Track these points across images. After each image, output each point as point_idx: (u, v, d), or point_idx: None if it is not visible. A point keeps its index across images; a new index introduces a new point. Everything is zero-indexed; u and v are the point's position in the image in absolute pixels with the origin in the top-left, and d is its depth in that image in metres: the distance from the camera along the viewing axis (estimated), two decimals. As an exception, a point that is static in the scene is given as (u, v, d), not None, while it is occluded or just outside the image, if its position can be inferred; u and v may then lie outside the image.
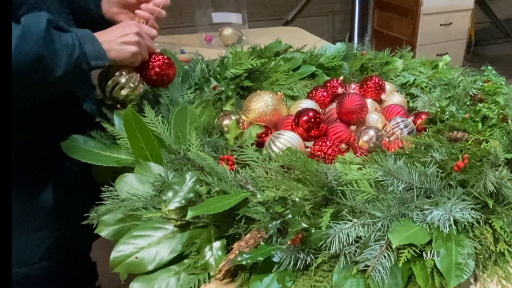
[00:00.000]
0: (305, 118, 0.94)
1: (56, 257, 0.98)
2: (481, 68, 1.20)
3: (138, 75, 0.92)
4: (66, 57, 0.75)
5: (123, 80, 0.89)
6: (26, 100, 0.77)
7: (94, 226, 0.74)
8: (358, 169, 0.77)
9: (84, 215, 0.76)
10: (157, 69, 0.94)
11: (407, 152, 0.80)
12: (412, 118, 1.01)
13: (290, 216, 0.65)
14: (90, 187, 0.93)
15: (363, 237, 0.64)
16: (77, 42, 0.77)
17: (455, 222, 0.65)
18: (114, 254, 0.67)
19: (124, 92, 0.90)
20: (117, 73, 0.89)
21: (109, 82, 0.89)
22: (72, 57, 0.76)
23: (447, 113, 0.96)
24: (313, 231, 0.64)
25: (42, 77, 0.73)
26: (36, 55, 0.70)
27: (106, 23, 0.97)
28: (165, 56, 0.95)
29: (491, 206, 0.67)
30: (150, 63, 0.93)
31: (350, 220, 0.66)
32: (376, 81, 1.13)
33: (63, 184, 0.96)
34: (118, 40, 0.84)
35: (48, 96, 0.82)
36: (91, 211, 0.77)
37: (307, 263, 0.64)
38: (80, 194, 0.98)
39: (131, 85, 0.90)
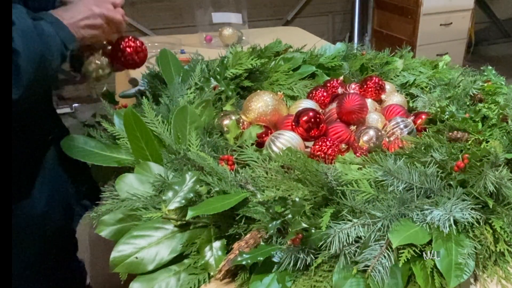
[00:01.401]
0: (305, 118, 0.94)
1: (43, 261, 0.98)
2: (481, 68, 1.20)
3: (103, 56, 0.93)
4: (55, 47, 0.74)
5: (91, 58, 0.90)
6: (29, 99, 0.73)
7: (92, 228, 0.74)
8: (358, 169, 0.77)
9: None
10: (126, 53, 0.95)
11: (407, 152, 0.80)
12: (412, 118, 1.01)
13: (290, 216, 0.65)
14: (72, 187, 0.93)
15: (363, 237, 0.64)
16: (53, 30, 0.75)
17: (455, 222, 0.65)
18: (114, 254, 0.67)
19: (91, 67, 0.90)
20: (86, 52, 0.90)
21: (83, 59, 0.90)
22: (58, 46, 0.75)
23: (447, 113, 0.96)
24: (313, 231, 0.64)
25: (45, 72, 0.73)
26: (38, 52, 0.69)
27: None
28: (136, 41, 0.96)
29: (491, 206, 0.67)
30: (121, 46, 0.95)
31: (350, 220, 0.66)
32: (376, 81, 1.13)
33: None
34: (81, 23, 0.81)
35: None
36: (92, 211, 0.77)
37: (307, 263, 0.64)
38: (63, 195, 0.97)
39: (98, 62, 0.91)
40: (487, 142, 0.86)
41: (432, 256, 0.62)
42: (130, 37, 0.96)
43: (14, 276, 0.86)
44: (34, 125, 0.86)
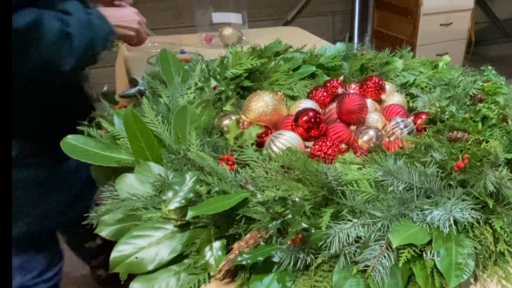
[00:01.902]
0: (305, 118, 0.94)
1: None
2: (481, 68, 1.20)
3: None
4: (100, 37, 0.93)
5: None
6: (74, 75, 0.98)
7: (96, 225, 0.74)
8: (358, 169, 0.77)
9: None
10: None
11: (407, 152, 0.80)
12: (412, 118, 1.01)
13: (290, 216, 0.65)
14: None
15: (363, 237, 0.64)
16: (101, 23, 0.94)
17: (455, 222, 0.65)
18: (114, 254, 0.67)
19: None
20: None
21: None
22: (103, 37, 0.93)
23: (447, 113, 0.95)
24: (313, 231, 0.64)
25: (91, 55, 0.92)
26: (88, 38, 0.88)
27: None
28: None
29: (491, 206, 0.67)
30: None
31: (350, 220, 0.66)
32: (376, 81, 1.13)
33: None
34: (121, 23, 1.04)
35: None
36: (93, 211, 0.77)
37: (307, 263, 0.64)
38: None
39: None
40: (487, 142, 0.86)
41: (432, 256, 0.62)
42: None
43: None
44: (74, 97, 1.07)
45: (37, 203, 0.98)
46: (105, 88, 1.10)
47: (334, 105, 1.05)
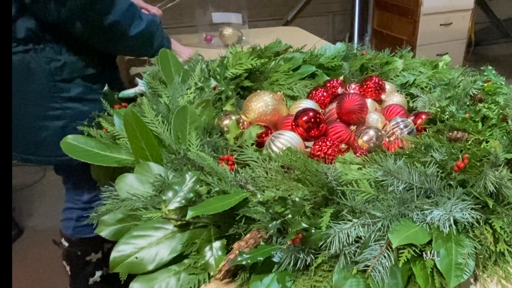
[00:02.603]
0: (305, 118, 0.94)
1: None
2: (481, 68, 1.20)
3: None
4: (159, 42, 1.29)
5: None
6: (132, 52, 1.36)
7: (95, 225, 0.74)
8: (358, 169, 0.77)
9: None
10: None
11: (407, 152, 0.80)
12: (412, 118, 1.01)
13: (290, 216, 0.65)
14: None
15: (363, 237, 0.64)
16: (165, 40, 1.33)
17: (455, 222, 0.65)
18: (114, 254, 0.67)
19: None
20: None
21: None
22: (161, 44, 1.28)
23: (447, 113, 0.96)
24: (313, 231, 0.64)
25: (145, 46, 1.27)
26: (153, 34, 1.26)
27: None
28: None
29: (491, 206, 0.67)
30: None
31: (350, 220, 0.66)
32: (376, 81, 1.13)
33: None
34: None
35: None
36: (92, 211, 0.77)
37: (307, 263, 0.64)
38: None
39: None
40: (487, 142, 0.86)
41: (432, 256, 0.62)
42: None
43: None
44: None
45: None
46: (105, 88, 1.10)
47: (334, 105, 1.05)
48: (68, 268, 1.47)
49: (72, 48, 1.16)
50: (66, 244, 1.43)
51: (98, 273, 1.50)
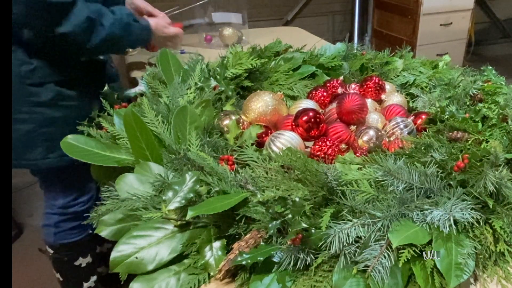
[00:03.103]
0: (305, 118, 0.94)
1: None
2: (481, 68, 1.20)
3: None
4: (133, 41, 1.21)
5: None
6: (97, 55, 1.24)
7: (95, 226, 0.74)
8: (358, 169, 0.77)
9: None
10: None
11: (407, 152, 0.80)
12: (412, 118, 1.01)
13: (290, 216, 0.65)
14: None
15: (363, 237, 0.64)
16: (140, 31, 1.21)
17: (455, 222, 0.65)
18: (114, 254, 0.67)
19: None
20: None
21: None
22: (135, 40, 1.22)
23: (447, 113, 0.95)
24: (313, 231, 0.64)
25: (114, 47, 1.19)
26: (119, 35, 1.13)
27: None
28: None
29: (491, 206, 0.67)
30: None
31: (350, 220, 0.66)
32: (376, 81, 1.13)
33: None
34: (163, 34, 1.34)
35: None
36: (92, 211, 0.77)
37: (307, 263, 0.64)
38: None
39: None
40: (487, 142, 0.86)
41: (432, 256, 0.62)
42: None
43: None
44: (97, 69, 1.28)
45: None
46: (106, 88, 1.10)
47: (334, 105, 1.05)
48: (58, 275, 1.45)
49: (45, 52, 1.11)
50: (51, 251, 1.40)
51: (93, 278, 1.48)
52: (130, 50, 1.47)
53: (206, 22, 1.78)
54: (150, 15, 1.40)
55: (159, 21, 1.33)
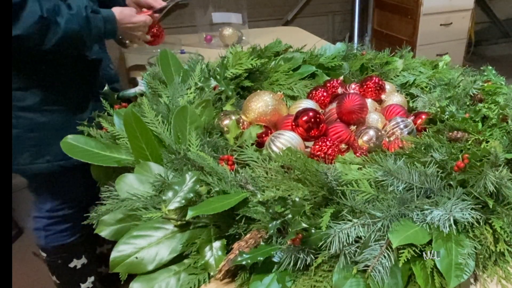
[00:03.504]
0: (305, 118, 0.94)
1: None
2: (481, 68, 1.20)
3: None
4: (96, 34, 1.11)
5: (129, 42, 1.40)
6: (60, 54, 1.11)
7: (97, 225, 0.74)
8: (358, 169, 0.77)
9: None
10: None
11: (407, 152, 0.80)
12: (412, 118, 1.01)
13: (290, 216, 0.65)
14: None
15: (363, 237, 0.64)
16: (103, 24, 1.12)
17: (455, 222, 0.65)
18: (114, 254, 0.67)
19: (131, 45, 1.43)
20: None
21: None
22: (98, 33, 1.11)
23: (447, 113, 0.96)
24: (313, 231, 0.64)
25: (76, 45, 1.09)
26: (77, 31, 1.05)
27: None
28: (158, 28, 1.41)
29: (491, 206, 0.67)
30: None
31: (350, 220, 0.66)
32: (376, 81, 1.13)
33: None
34: (128, 25, 1.23)
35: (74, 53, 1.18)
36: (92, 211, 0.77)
37: (307, 263, 0.64)
38: None
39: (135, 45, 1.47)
40: (487, 142, 0.86)
41: (432, 256, 0.62)
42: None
43: None
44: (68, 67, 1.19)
45: (55, 144, 1.02)
46: (106, 88, 1.10)
47: (334, 105, 1.05)
48: (54, 278, 1.44)
49: (27, 56, 1.07)
50: (44, 254, 1.40)
51: (90, 279, 1.47)
52: (128, 42, 1.38)
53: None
54: (150, 7, 1.35)
55: (124, 10, 1.23)
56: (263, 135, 0.93)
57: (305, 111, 0.96)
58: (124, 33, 1.25)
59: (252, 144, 0.87)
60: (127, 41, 1.36)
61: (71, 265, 1.41)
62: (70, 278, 1.45)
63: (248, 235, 0.68)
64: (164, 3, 1.36)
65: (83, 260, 1.43)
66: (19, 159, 1.16)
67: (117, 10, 1.19)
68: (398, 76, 1.26)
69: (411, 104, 1.16)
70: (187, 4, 1.67)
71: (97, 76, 1.26)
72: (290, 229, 0.64)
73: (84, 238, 1.40)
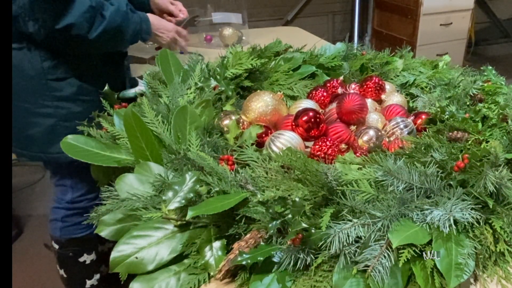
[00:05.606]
0: (305, 118, 0.94)
1: None
2: (481, 68, 1.20)
3: None
4: (133, 31, 1.20)
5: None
6: (101, 49, 1.20)
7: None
8: (358, 169, 0.77)
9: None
10: None
11: (407, 152, 0.80)
12: (412, 118, 1.01)
13: (290, 216, 0.65)
14: None
15: (363, 237, 0.64)
16: (139, 22, 1.22)
17: (455, 222, 0.65)
18: (114, 254, 0.67)
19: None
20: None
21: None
22: (136, 30, 1.21)
23: (447, 113, 0.96)
24: (313, 231, 0.64)
25: (116, 38, 1.17)
26: (119, 24, 1.14)
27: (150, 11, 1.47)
28: None
29: (491, 206, 0.67)
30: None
31: (350, 220, 0.66)
32: (376, 81, 1.13)
33: None
34: (158, 32, 1.32)
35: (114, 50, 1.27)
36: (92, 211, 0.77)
37: (307, 263, 0.64)
38: None
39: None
40: (487, 142, 0.86)
41: (432, 256, 0.62)
42: None
43: None
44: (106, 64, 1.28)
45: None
46: (106, 88, 1.10)
47: (334, 105, 1.05)
48: (62, 271, 1.45)
49: (64, 48, 1.14)
50: (56, 246, 1.42)
51: (96, 276, 1.48)
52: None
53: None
54: (170, 14, 1.45)
55: (157, 17, 1.34)
56: (263, 135, 0.93)
57: (305, 111, 0.96)
58: (159, 37, 1.35)
59: (252, 144, 0.87)
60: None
61: (81, 259, 1.42)
62: (78, 273, 1.46)
63: (248, 235, 0.68)
64: (184, 16, 1.47)
65: (93, 256, 1.45)
66: (52, 148, 1.20)
67: (150, 15, 1.31)
68: (398, 76, 1.26)
69: (411, 104, 1.16)
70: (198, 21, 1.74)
71: (123, 68, 1.35)
72: (290, 229, 0.64)
73: (97, 234, 1.42)
